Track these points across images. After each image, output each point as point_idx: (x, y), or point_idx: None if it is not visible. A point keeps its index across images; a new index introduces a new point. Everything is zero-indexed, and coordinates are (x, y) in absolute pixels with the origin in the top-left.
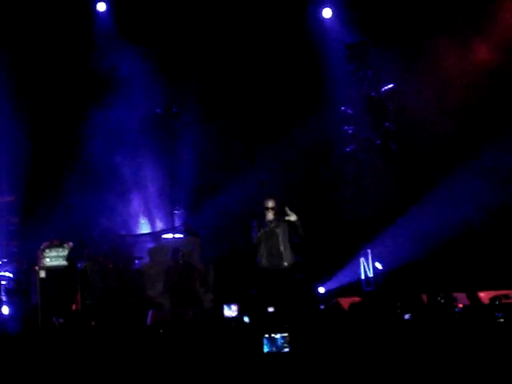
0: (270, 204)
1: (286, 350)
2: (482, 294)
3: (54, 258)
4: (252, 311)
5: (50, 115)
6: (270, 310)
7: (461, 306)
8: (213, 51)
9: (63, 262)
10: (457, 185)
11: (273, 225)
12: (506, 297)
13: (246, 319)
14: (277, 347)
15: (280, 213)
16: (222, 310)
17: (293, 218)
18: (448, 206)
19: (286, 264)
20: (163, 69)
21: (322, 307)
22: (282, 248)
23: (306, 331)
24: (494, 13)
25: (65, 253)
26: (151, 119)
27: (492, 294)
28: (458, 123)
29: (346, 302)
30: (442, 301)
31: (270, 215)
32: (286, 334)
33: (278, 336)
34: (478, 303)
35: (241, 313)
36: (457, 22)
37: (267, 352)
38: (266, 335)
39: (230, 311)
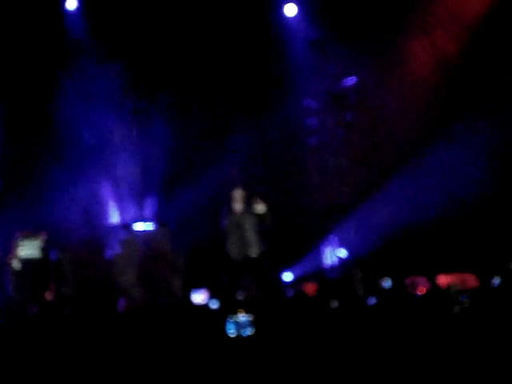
0: (238, 194)
1: (250, 332)
2: (441, 279)
3: (28, 248)
4: (221, 298)
5: (22, 107)
6: (240, 297)
7: (422, 291)
8: (182, 46)
9: (37, 252)
10: (420, 173)
11: (241, 214)
12: (463, 284)
13: (213, 305)
14: (241, 328)
15: (248, 202)
16: (190, 296)
17: (261, 209)
18: (411, 193)
19: (253, 253)
20: (134, 62)
21: (291, 293)
22: (250, 237)
23: (271, 317)
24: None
25: (38, 243)
26: (122, 109)
27: (452, 277)
28: (421, 116)
29: (310, 289)
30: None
31: (238, 205)
32: (250, 316)
33: (242, 318)
34: (437, 289)
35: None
36: (420, 14)
37: (231, 334)
38: (230, 318)
39: (199, 298)
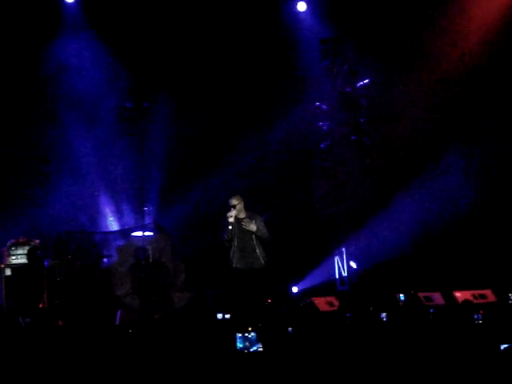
0: (234, 201)
1: (260, 348)
2: (457, 294)
3: (20, 256)
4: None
5: (16, 114)
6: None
7: (435, 305)
8: (184, 45)
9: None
10: (433, 181)
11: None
12: (482, 296)
13: (220, 316)
14: (250, 344)
15: (250, 209)
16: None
17: (252, 228)
18: (424, 203)
19: (258, 263)
20: (133, 62)
21: (299, 305)
22: (254, 247)
23: (279, 330)
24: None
25: (31, 251)
26: (120, 113)
27: (468, 293)
28: (434, 119)
29: (320, 302)
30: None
31: (232, 213)
32: (256, 333)
33: (251, 334)
34: (454, 303)
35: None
36: (436, 15)
37: (240, 349)
38: (239, 333)
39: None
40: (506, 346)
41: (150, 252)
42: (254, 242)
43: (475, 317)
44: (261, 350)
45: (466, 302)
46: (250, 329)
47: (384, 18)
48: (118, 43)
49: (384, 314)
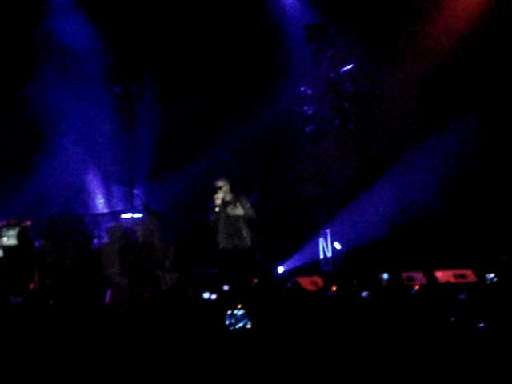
0: (220, 183)
1: (247, 324)
2: (439, 274)
3: (12, 237)
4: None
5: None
6: (225, 288)
7: (417, 287)
8: (172, 30)
9: (20, 241)
10: (415, 165)
11: (228, 204)
12: (463, 276)
13: (206, 295)
14: (237, 321)
15: (235, 191)
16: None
17: (239, 212)
18: (406, 186)
19: (244, 244)
20: (121, 46)
21: (286, 286)
22: (240, 228)
23: (266, 310)
24: None
25: (22, 232)
26: (109, 97)
27: (449, 273)
28: (417, 103)
29: (305, 282)
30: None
31: (219, 195)
32: (245, 310)
33: (238, 312)
34: (435, 282)
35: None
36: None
37: (227, 325)
38: (229, 311)
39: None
40: (482, 324)
41: (139, 233)
42: (241, 223)
43: (460, 297)
44: (248, 326)
45: (446, 283)
46: (238, 306)
47: (370, 3)
48: (107, 25)
49: (366, 293)
